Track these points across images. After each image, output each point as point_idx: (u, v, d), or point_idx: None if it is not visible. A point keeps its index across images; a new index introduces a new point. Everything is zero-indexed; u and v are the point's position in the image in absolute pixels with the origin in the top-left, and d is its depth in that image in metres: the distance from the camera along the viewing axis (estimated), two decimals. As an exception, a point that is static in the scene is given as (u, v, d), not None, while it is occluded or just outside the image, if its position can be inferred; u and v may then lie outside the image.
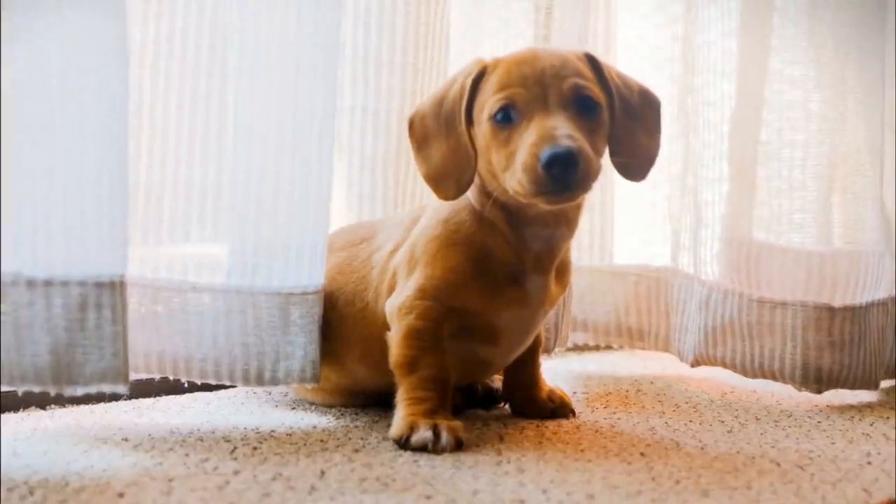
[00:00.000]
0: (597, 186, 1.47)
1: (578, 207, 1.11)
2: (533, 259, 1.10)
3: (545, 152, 0.97)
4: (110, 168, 0.99)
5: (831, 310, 1.36)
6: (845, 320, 1.36)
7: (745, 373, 1.40)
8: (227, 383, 1.15)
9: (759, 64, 1.41)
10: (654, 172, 1.54)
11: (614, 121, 1.08)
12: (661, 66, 1.55)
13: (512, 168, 1.01)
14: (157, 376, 1.16)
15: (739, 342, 1.39)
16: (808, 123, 1.41)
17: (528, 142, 0.99)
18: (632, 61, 1.58)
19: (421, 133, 1.10)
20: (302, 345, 1.14)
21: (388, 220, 1.23)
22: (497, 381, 1.28)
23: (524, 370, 1.22)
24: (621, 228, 1.61)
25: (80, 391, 0.98)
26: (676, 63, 1.52)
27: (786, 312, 1.37)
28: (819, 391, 1.37)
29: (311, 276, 1.14)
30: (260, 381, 1.14)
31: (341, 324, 1.17)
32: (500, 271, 1.09)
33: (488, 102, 1.04)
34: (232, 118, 1.13)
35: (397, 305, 1.10)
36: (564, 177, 0.97)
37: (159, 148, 1.14)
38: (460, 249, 1.09)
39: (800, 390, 1.38)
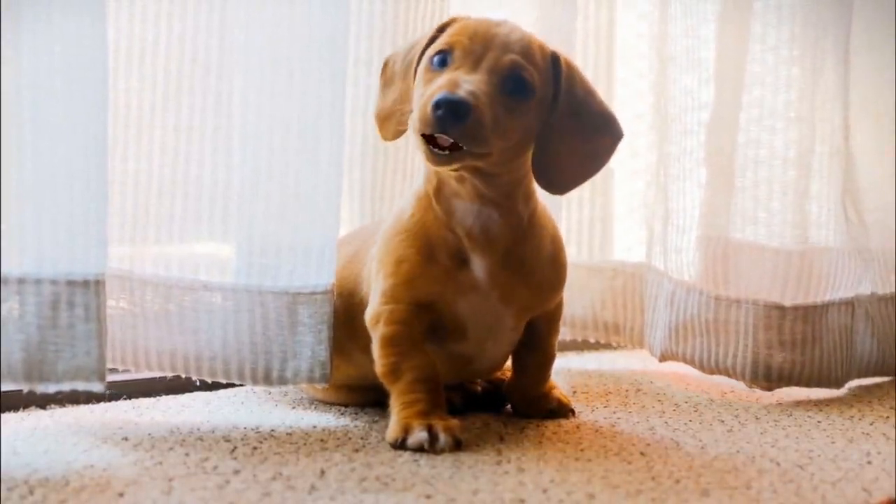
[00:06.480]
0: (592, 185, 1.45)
1: (506, 193, 1.08)
2: (468, 236, 1.09)
3: (439, 95, 0.98)
4: (87, 168, 0.99)
5: (781, 308, 1.37)
6: (797, 319, 1.38)
7: (702, 369, 1.42)
8: (237, 382, 1.16)
9: (737, 66, 1.42)
10: (644, 174, 1.55)
11: (552, 123, 1.06)
12: (654, 66, 1.55)
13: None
14: (169, 374, 1.16)
15: (699, 339, 1.41)
16: (783, 123, 1.42)
17: (435, 85, 1.00)
18: (630, 59, 1.59)
19: (389, 73, 1.14)
20: (310, 345, 1.14)
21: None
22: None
23: (528, 372, 1.21)
24: (603, 225, 1.61)
25: (52, 389, 0.98)
26: (654, 63, 1.52)
27: (739, 310, 1.38)
28: (769, 388, 1.39)
29: (320, 276, 1.14)
30: (268, 380, 1.14)
31: (347, 313, 1.17)
32: (443, 253, 1.08)
33: (434, 45, 1.06)
34: (239, 118, 1.14)
35: (370, 315, 1.11)
36: (445, 123, 0.97)
37: (171, 147, 1.14)
38: (403, 238, 1.10)
39: (750, 387, 1.40)
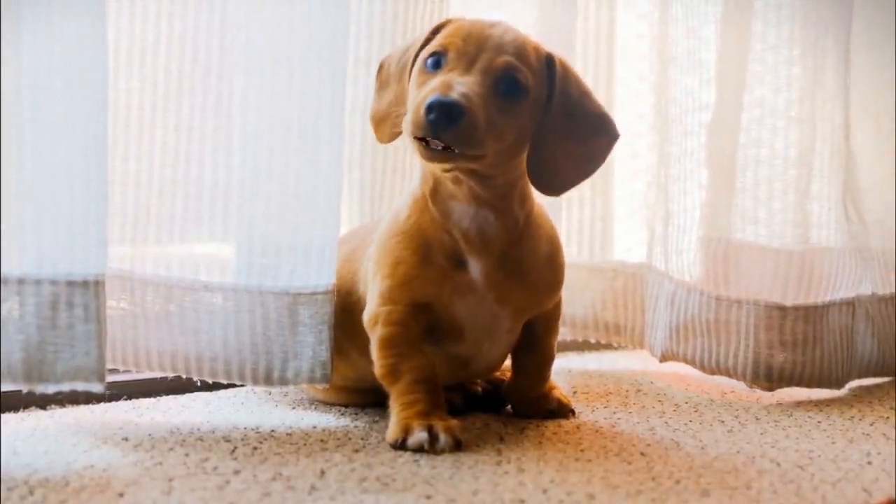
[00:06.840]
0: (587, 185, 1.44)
1: (501, 195, 1.08)
2: (464, 238, 1.08)
3: (431, 97, 0.97)
4: (87, 168, 0.99)
5: (782, 309, 1.38)
6: (798, 319, 1.38)
7: (703, 369, 1.42)
8: (237, 383, 1.16)
9: (739, 67, 1.43)
10: (645, 175, 1.55)
11: (547, 124, 1.06)
12: (654, 67, 1.55)
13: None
14: (169, 374, 1.16)
15: (700, 339, 1.42)
16: (783, 123, 1.42)
17: (429, 87, 1.00)
18: (631, 60, 1.59)
19: (384, 76, 1.14)
20: (311, 345, 1.14)
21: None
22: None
23: (528, 373, 1.21)
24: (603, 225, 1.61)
25: (52, 389, 0.98)
26: (655, 64, 1.52)
27: (740, 311, 1.39)
28: (770, 389, 1.39)
29: (320, 276, 1.14)
30: (269, 380, 1.15)
31: (345, 312, 1.17)
32: (440, 255, 1.08)
33: (428, 47, 1.06)
34: (239, 118, 1.14)
35: (368, 317, 1.11)
36: (438, 127, 0.97)
37: (172, 147, 1.14)
38: (399, 240, 1.10)
39: (751, 388, 1.40)
